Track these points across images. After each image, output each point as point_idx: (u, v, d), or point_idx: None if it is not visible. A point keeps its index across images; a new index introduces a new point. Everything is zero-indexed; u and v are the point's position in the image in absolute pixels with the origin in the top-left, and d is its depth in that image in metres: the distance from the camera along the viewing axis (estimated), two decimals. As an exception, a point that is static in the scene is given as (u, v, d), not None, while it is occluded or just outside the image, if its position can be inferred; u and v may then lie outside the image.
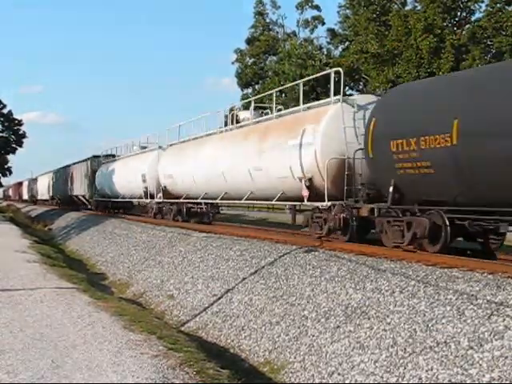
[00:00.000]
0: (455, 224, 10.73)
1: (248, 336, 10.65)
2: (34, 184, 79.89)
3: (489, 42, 34.49)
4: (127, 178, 30.87)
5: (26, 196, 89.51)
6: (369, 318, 8.92)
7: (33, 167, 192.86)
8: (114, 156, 38.55)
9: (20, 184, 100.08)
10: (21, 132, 49.71)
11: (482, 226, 10.56)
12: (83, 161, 44.22)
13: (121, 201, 34.48)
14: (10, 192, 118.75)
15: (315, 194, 14.27)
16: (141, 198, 29.06)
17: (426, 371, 7.20)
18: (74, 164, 47.84)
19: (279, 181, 15.64)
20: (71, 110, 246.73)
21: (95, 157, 41.86)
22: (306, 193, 14.44)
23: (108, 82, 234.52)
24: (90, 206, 42.16)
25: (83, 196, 43.63)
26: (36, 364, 7.04)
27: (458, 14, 36.36)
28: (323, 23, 52.12)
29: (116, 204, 36.32)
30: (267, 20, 54.47)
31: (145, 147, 31.31)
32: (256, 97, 21.99)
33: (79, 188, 44.51)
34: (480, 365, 6.75)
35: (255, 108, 20.27)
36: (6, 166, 50.43)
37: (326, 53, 49.19)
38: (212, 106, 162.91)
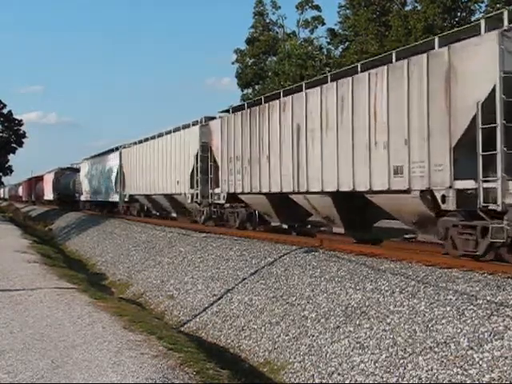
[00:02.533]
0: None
1: (248, 336, 10.65)
2: (69, 177, 50.78)
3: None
4: None
5: (49, 195, 58.66)
6: (369, 318, 8.92)
7: (33, 167, 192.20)
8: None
9: (38, 179, 68.64)
10: (21, 132, 49.82)
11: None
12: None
13: None
14: (20, 191, 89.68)
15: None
16: None
17: (426, 371, 7.20)
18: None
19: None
20: (71, 110, 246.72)
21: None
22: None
23: (108, 81, 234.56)
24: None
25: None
26: (36, 364, 7.04)
27: (458, 14, 36.37)
28: (323, 23, 52.07)
29: None
30: (267, 20, 54.45)
31: None
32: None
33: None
34: (480, 365, 6.75)
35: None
36: (6, 165, 50.49)
37: (326, 53, 49.19)
38: (212, 106, 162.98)
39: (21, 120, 50.27)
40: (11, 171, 52.84)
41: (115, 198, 34.72)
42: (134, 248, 21.44)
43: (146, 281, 16.84)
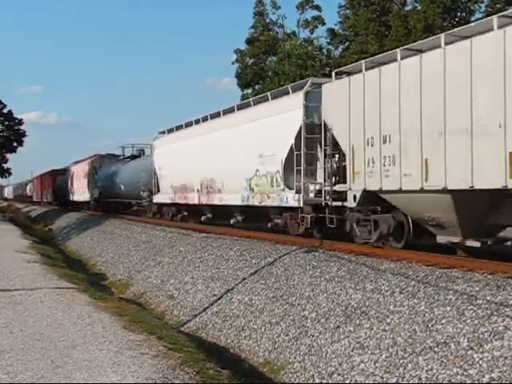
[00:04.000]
0: None
1: (248, 336, 10.65)
2: (123, 167, 33.95)
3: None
4: None
5: (82, 195, 41.78)
6: (369, 318, 8.92)
7: (33, 167, 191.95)
8: None
9: (58, 173, 51.68)
10: (21, 131, 49.85)
11: None
12: None
13: None
14: (28, 190, 73.90)
15: None
16: None
17: (426, 371, 7.20)
18: None
19: None
20: (71, 110, 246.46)
21: None
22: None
23: (108, 81, 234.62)
24: None
25: None
26: (36, 364, 7.04)
27: (458, 14, 36.37)
28: (323, 23, 52.05)
29: None
30: (267, 20, 54.43)
31: None
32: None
33: None
34: (480, 365, 6.75)
35: None
36: (5, 167, 50.48)
37: (326, 53, 49.19)
38: (212, 106, 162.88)
39: (21, 119, 50.34)
40: (9, 174, 52.75)
41: (289, 200, 15.32)
42: (134, 248, 21.43)
43: (146, 281, 16.85)
